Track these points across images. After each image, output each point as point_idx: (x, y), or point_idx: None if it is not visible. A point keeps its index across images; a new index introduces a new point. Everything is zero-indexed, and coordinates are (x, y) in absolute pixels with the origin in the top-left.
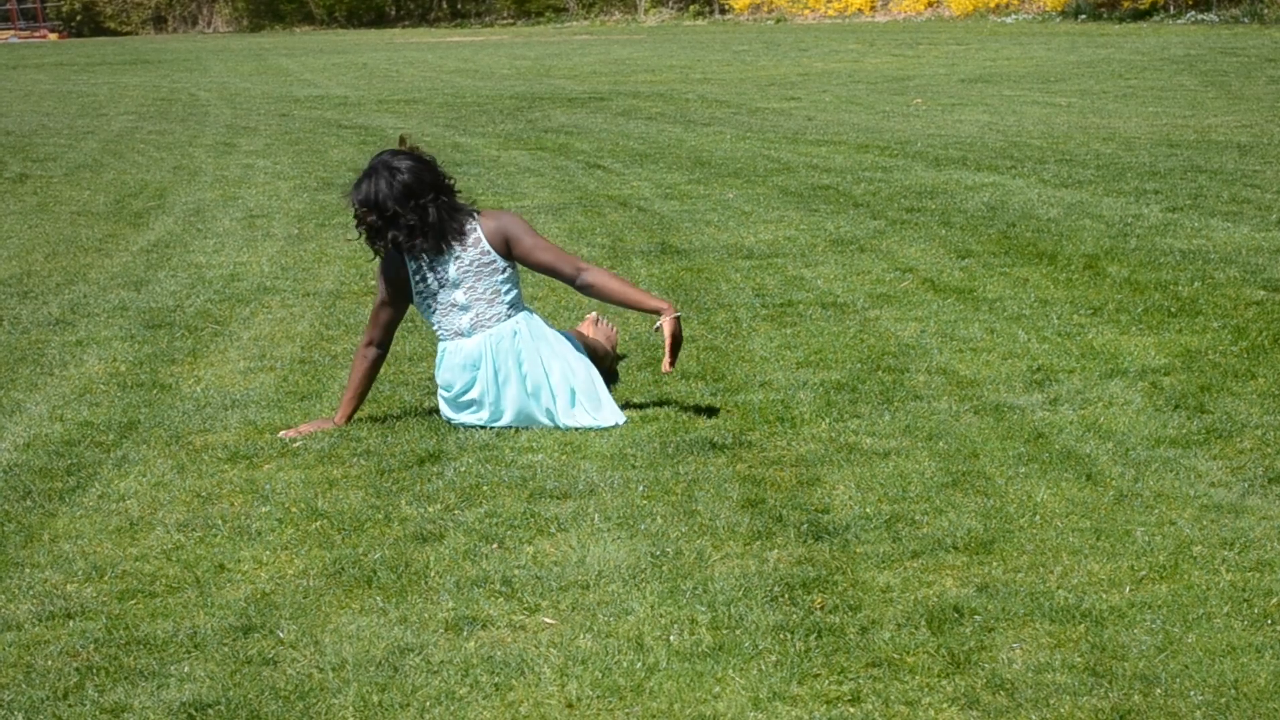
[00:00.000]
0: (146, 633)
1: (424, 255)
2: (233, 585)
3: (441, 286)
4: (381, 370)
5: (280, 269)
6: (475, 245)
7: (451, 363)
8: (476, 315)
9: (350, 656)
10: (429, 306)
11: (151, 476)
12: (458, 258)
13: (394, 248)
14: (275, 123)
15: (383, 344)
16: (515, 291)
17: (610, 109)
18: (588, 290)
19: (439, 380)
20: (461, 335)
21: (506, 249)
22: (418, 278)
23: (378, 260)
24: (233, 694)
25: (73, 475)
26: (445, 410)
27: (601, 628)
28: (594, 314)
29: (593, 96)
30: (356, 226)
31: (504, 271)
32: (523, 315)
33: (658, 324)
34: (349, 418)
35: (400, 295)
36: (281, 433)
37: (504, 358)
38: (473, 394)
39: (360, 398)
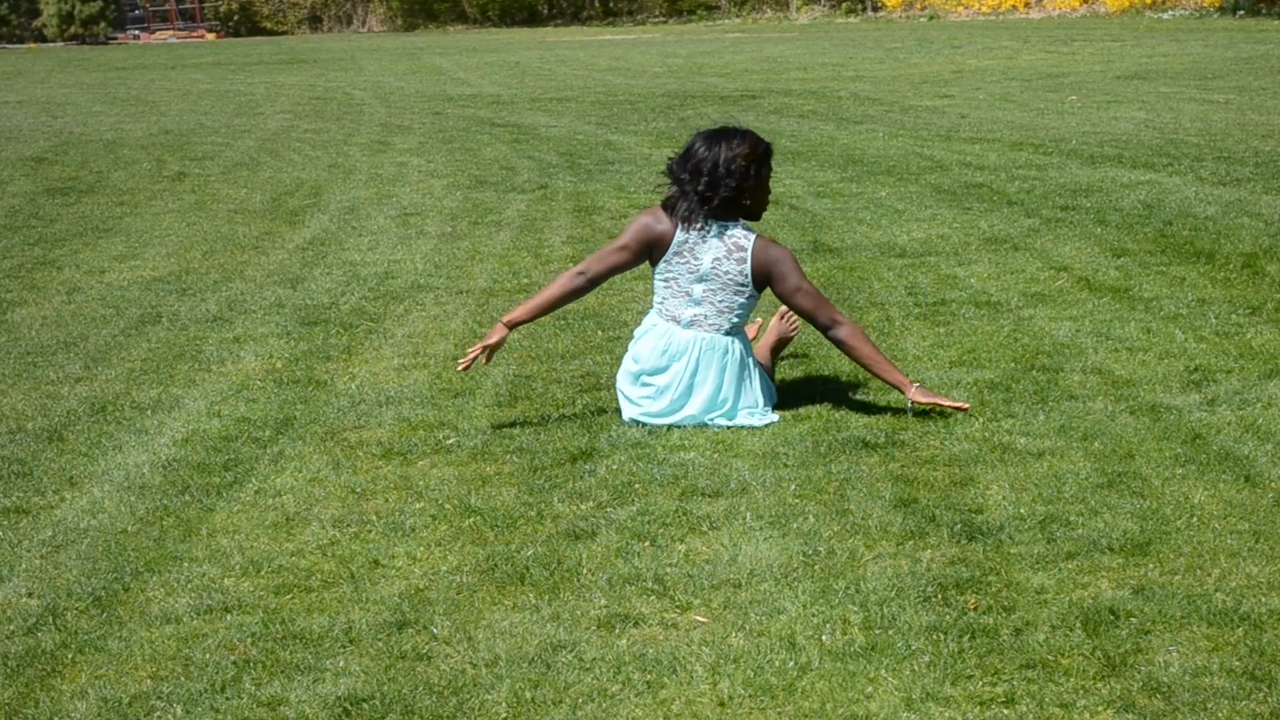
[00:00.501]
0: (302, 627)
1: (690, 231)
2: (387, 581)
3: (688, 272)
4: (534, 368)
5: (434, 267)
6: (738, 263)
7: (655, 343)
8: (701, 315)
9: (503, 653)
10: (665, 279)
11: (307, 472)
12: (716, 258)
13: (670, 206)
14: (429, 121)
15: (594, 280)
16: (745, 318)
17: (762, 107)
18: (837, 344)
19: (633, 349)
20: (677, 323)
21: (765, 281)
22: (676, 250)
23: (643, 213)
24: (387, 689)
25: (230, 470)
26: (621, 381)
27: (753, 626)
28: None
29: (745, 94)
30: (670, 178)
31: (748, 297)
32: (740, 338)
33: (910, 407)
34: (518, 325)
35: (644, 250)
36: (459, 365)
37: (708, 366)
38: (659, 380)
39: (541, 312)
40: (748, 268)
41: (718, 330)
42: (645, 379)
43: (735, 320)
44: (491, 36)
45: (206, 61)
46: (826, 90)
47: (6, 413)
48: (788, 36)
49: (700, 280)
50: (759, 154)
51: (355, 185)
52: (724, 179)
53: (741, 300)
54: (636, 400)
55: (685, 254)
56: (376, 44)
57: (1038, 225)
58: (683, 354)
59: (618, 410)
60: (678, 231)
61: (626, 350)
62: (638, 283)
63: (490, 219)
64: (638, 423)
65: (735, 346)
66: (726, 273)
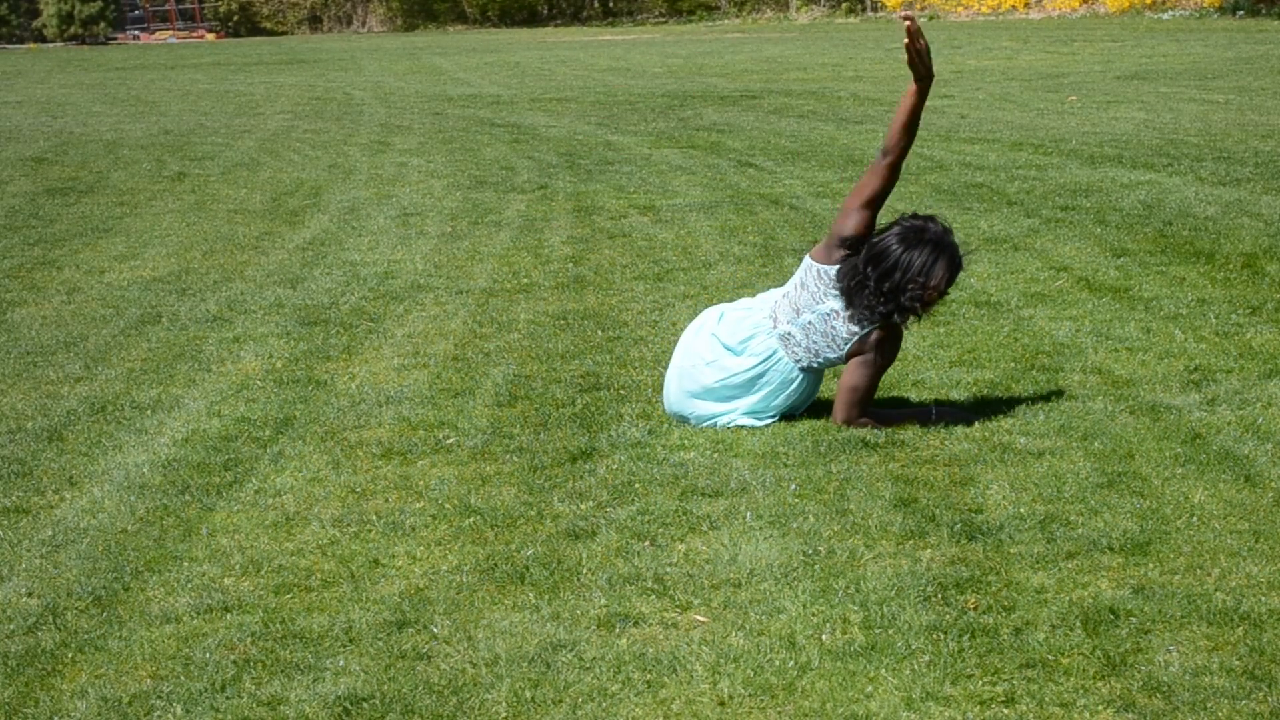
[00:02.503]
0: (302, 626)
1: (843, 299)
2: (387, 580)
3: (813, 300)
4: (533, 368)
5: (434, 266)
6: (848, 333)
7: (743, 325)
8: (793, 337)
9: (503, 652)
10: (800, 282)
11: (307, 472)
12: (837, 310)
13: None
14: (429, 121)
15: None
16: (823, 370)
17: (762, 107)
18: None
19: (725, 306)
20: (774, 323)
21: (854, 353)
22: (833, 279)
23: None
24: (387, 688)
25: (230, 470)
26: (691, 333)
27: (753, 626)
28: None
29: (744, 94)
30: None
31: (836, 357)
32: (809, 379)
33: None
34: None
35: (838, 238)
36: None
37: (770, 382)
38: (726, 360)
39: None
40: (853, 341)
41: (796, 361)
42: (721, 341)
43: (815, 365)
44: (491, 36)
45: (206, 62)
46: (826, 90)
47: (6, 412)
48: (787, 36)
49: (814, 313)
50: (950, 283)
51: (355, 185)
52: (905, 298)
53: (830, 356)
54: (692, 353)
55: (824, 288)
56: (376, 44)
57: (1037, 225)
58: (756, 354)
59: (618, 411)
60: (847, 266)
61: (718, 305)
62: (638, 283)
63: (490, 219)
64: (681, 417)
65: (801, 383)
66: (834, 329)
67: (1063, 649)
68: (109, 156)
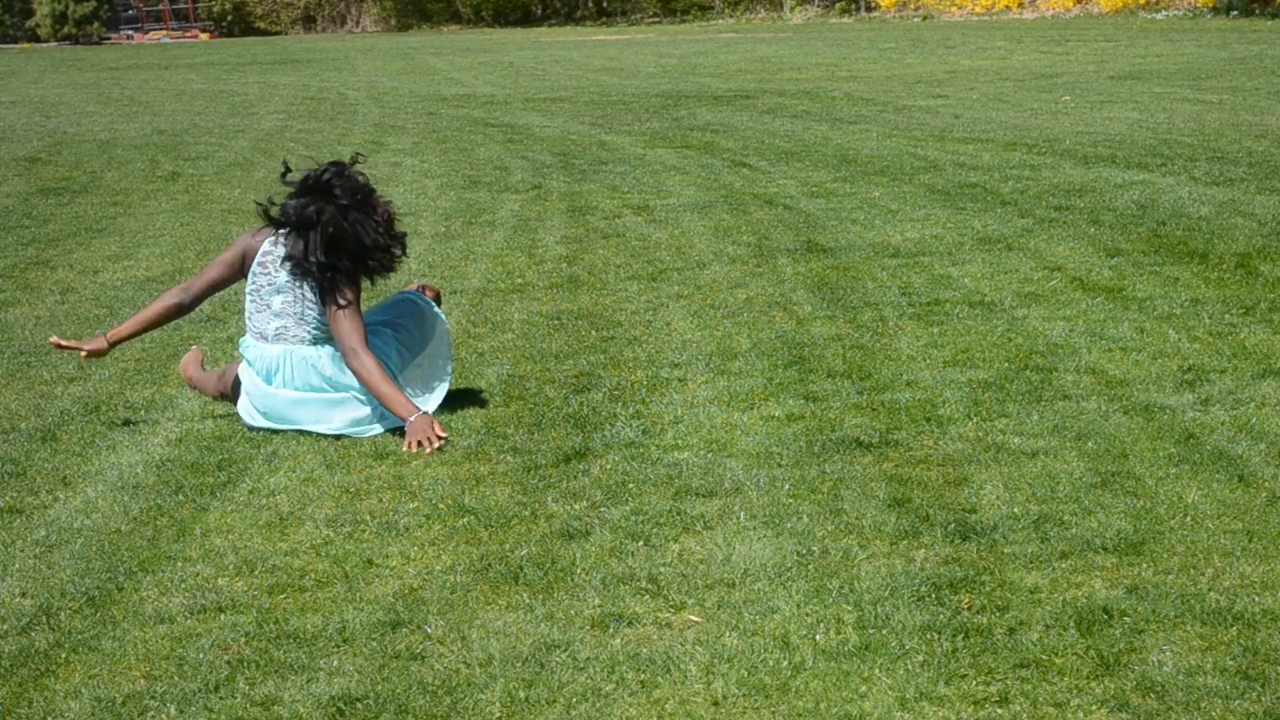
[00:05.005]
0: (296, 627)
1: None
2: (381, 580)
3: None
4: (527, 368)
5: (428, 266)
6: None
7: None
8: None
9: (497, 652)
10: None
11: (301, 472)
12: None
13: None
14: (422, 121)
15: None
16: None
17: (756, 107)
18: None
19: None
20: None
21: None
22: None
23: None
24: (381, 688)
25: (224, 470)
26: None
27: (747, 626)
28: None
29: (738, 94)
30: None
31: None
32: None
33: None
34: None
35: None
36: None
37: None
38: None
39: None
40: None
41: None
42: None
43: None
44: (485, 36)
45: (200, 62)
46: (820, 90)
47: (0, 413)
48: (781, 36)
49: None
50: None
51: None
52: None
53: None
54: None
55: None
56: (370, 44)
57: (1031, 225)
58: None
59: (612, 411)
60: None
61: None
62: (632, 283)
63: (484, 219)
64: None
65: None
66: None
67: (1056, 649)
68: (103, 156)
